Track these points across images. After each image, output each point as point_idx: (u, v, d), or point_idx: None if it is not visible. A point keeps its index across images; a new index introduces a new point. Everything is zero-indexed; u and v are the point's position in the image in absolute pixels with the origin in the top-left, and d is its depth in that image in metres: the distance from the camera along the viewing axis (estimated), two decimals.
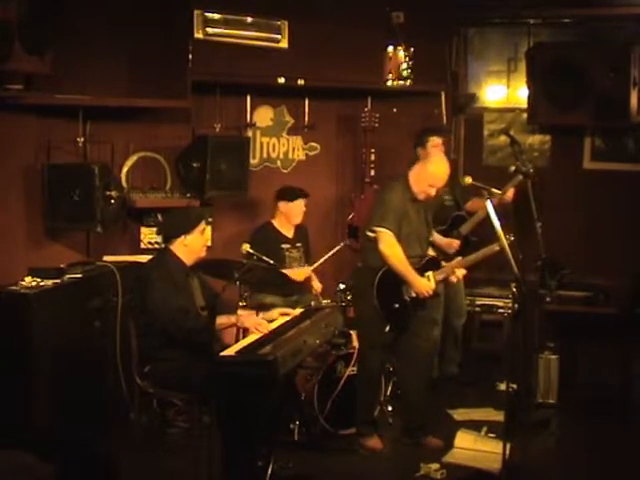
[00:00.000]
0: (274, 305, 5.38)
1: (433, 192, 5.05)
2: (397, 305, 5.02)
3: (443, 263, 5.16)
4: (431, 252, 5.26)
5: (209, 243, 4.75)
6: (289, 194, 5.83)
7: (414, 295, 5.00)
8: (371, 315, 5.04)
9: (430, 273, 5.04)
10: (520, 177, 5.59)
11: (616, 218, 6.61)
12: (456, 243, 5.95)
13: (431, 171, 5.00)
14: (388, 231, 4.94)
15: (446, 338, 6.30)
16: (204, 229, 4.59)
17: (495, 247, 4.88)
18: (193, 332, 4.30)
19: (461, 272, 5.14)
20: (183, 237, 4.49)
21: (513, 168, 6.21)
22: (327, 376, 5.11)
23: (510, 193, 5.73)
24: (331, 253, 5.85)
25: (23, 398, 4.51)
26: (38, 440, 4.38)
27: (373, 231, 4.99)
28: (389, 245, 4.94)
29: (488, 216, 4.50)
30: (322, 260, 5.88)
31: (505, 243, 4.41)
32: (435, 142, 5.98)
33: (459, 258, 5.23)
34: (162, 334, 4.35)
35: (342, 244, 6.00)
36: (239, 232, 6.09)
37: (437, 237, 5.81)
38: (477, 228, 5.91)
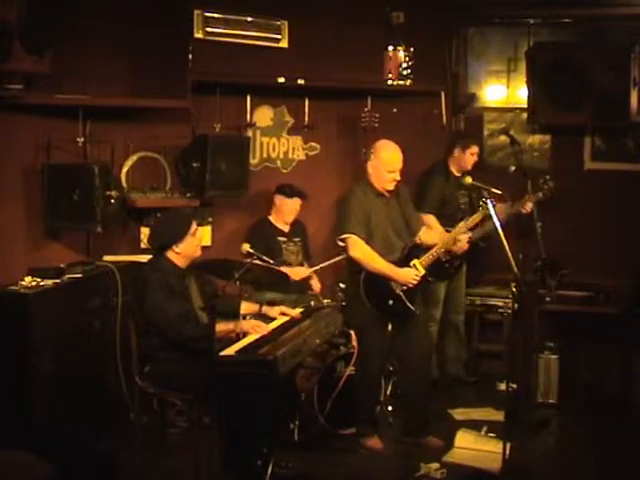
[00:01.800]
0: (273, 301, 5.38)
1: (397, 176, 5.04)
2: (391, 301, 5.01)
3: (440, 235, 5.22)
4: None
5: (203, 243, 4.70)
6: (288, 190, 5.92)
7: (404, 287, 5.00)
8: (366, 318, 5.04)
9: (415, 261, 5.03)
10: (540, 195, 6.03)
11: (616, 218, 6.60)
12: (465, 245, 5.99)
13: (384, 157, 5.02)
14: (353, 235, 4.94)
15: (447, 336, 6.33)
16: (195, 231, 4.51)
17: (477, 216, 5.05)
18: (191, 340, 4.29)
19: (465, 237, 5.23)
20: (175, 246, 4.46)
21: (513, 168, 6.28)
22: (327, 376, 5.11)
23: (528, 207, 5.97)
24: (334, 260, 5.79)
25: (23, 398, 4.51)
26: (38, 440, 4.38)
27: (342, 240, 5.00)
28: (357, 248, 4.95)
29: (489, 215, 4.54)
30: (324, 265, 5.86)
31: (505, 243, 4.42)
32: (475, 150, 6.16)
33: (442, 237, 5.22)
34: (162, 334, 4.35)
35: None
36: (239, 232, 6.09)
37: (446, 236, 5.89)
38: (488, 234, 5.87)
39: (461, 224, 5.19)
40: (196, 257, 4.59)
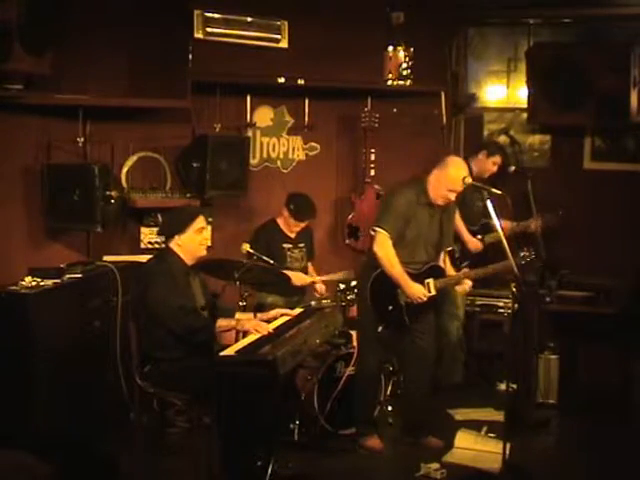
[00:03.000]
0: (275, 305, 5.38)
1: (453, 197, 4.97)
2: (391, 307, 5.00)
3: (448, 273, 5.11)
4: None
5: (209, 243, 4.70)
6: (299, 212, 5.73)
7: (409, 300, 4.98)
8: (364, 314, 5.06)
9: (430, 280, 4.99)
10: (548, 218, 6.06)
11: (616, 218, 6.60)
12: (479, 245, 6.06)
13: (451, 174, 4.88)
14: (384, 232, 4.91)
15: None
16: (201, 228, 4.52)
17: (506, 263, 4.72)
18: (193, 330, 4.30)
19: (467, 284, 5.10)
20: (177, 237, 4.48)
21: (513, 168, 6.30)
22: (327, 376, 5.11)
23: (534, 225, 5.95)
24: (338, 277, 5.74)
25: (23, 398, 4.52)
26: (38, 440, 4.38)
27: (373, 230, 5.00)
28: (383, 247, 4.92)
29: (487, 211, 4.55)
30: (326, 278, 5.84)
31: (505, 241, 4.42)
32: (497, 160, 6.15)
33: (465, 270, 5.21)
34: (163, 333, 4.35)
35: (351, 271, 5.78)
36: (239, 232, 6.08)
37: (464, 230, 5.99)
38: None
39: (489, 267, 5.14)
40: (200, 256, 4.58)
